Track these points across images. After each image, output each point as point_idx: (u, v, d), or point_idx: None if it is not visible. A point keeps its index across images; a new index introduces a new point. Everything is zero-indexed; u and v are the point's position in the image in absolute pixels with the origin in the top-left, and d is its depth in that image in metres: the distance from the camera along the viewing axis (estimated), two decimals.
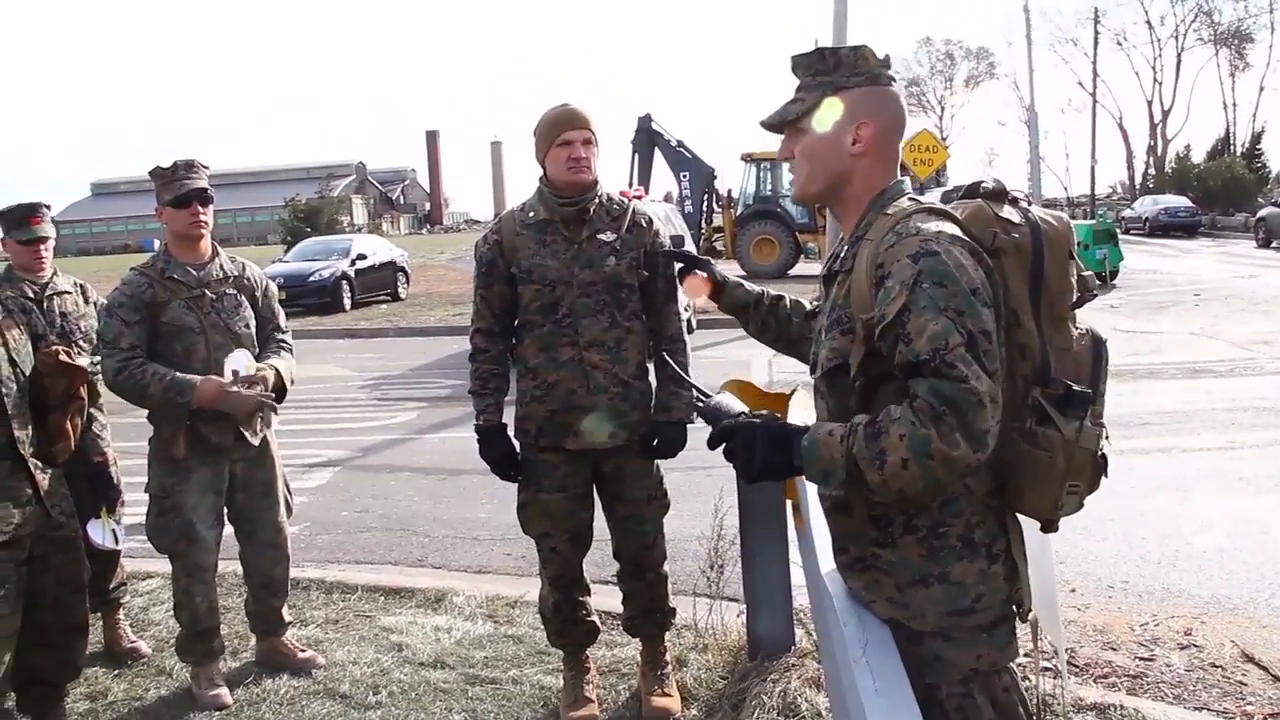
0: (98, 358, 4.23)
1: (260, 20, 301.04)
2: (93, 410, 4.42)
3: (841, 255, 2.20)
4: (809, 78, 2.21)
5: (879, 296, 1.99)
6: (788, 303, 2.83)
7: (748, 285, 2.93)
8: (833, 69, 2.18)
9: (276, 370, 4.24)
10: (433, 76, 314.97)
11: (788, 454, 2.04)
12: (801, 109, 2.20)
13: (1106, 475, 2.09)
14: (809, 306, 2.80)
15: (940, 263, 1.93)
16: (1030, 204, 2.20)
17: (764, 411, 2.19)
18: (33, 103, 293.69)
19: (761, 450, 2.07)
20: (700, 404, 2.30)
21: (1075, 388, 2.02)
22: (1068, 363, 2.09)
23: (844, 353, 2.09)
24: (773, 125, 2.27)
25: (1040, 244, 2.10)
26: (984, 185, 2.21)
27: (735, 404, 2.25)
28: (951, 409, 1.84)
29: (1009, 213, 2.13)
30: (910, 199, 2.15)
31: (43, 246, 4.58)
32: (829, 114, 2.19)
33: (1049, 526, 2.17)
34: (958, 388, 1.84)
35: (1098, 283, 2.24)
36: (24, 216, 4.53)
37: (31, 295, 4.50)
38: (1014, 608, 2.16)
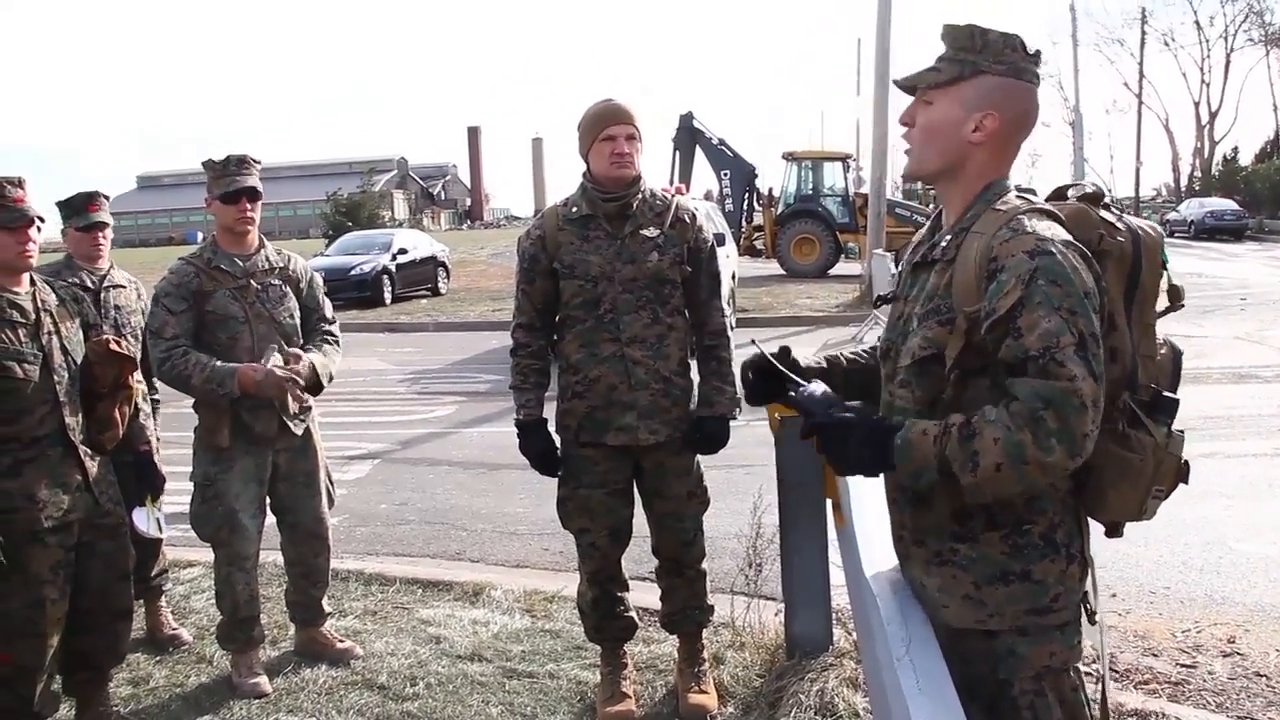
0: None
1: (305, 17, 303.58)
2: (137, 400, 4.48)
3: (943, 245, 2.16)
4: (954, 51, 2.15)
5: (990, 290, 1.98)
6: (854, 352, 2.66)
7: (812, 358, 2.67)
8: (978, 50, 2.13)
9: (311, 365, 4.24)
10: (475, 73, 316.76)
11: (882, 451, 2.03)
12: (935, 79, 2.15)
13: (1186, 482, 2.10)
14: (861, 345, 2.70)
15: (1057, 263, 1.92)
16: (1124, 211, 2.18)
17: (857, 403, 2.16)
18: (82, 101, 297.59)
19: (856, 446, 2.06)
20: (793, 394, 2.25)
21: (1164, 393, 2.05)
22: (1151, 370, 2.11)
23: (939, 343, 2.08)
24: (904, 87, 2.23)
25: (1140, 251, 2.10)
26: (1073, 190, 2.20)
27: (828, 393, 2.20)
28: (1052, 411, 1.84)
29: (1108, 217, 2.12)
30: (1019, 196, 2.13)
31: (101, 234, 4.64)
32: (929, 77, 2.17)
33: (1114, 531, 2.17)
34: (1060, 388, 1.85)
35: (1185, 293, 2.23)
36: (83, 204, 4.61)
37: (90, 285, 4.56)
38: (1084, 609, 2.16)
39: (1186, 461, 2.07)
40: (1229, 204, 43.34)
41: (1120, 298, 2.08)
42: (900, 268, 2.38)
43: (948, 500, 2.09)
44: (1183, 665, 4.35)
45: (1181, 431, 2.07)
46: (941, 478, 1.96)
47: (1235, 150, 59.76)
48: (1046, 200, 2.21)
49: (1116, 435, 2.01)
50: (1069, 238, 2.01)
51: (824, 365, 2.60)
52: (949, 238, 2.16)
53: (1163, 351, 2.15)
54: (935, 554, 2.17)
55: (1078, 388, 1.84)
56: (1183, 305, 2.21)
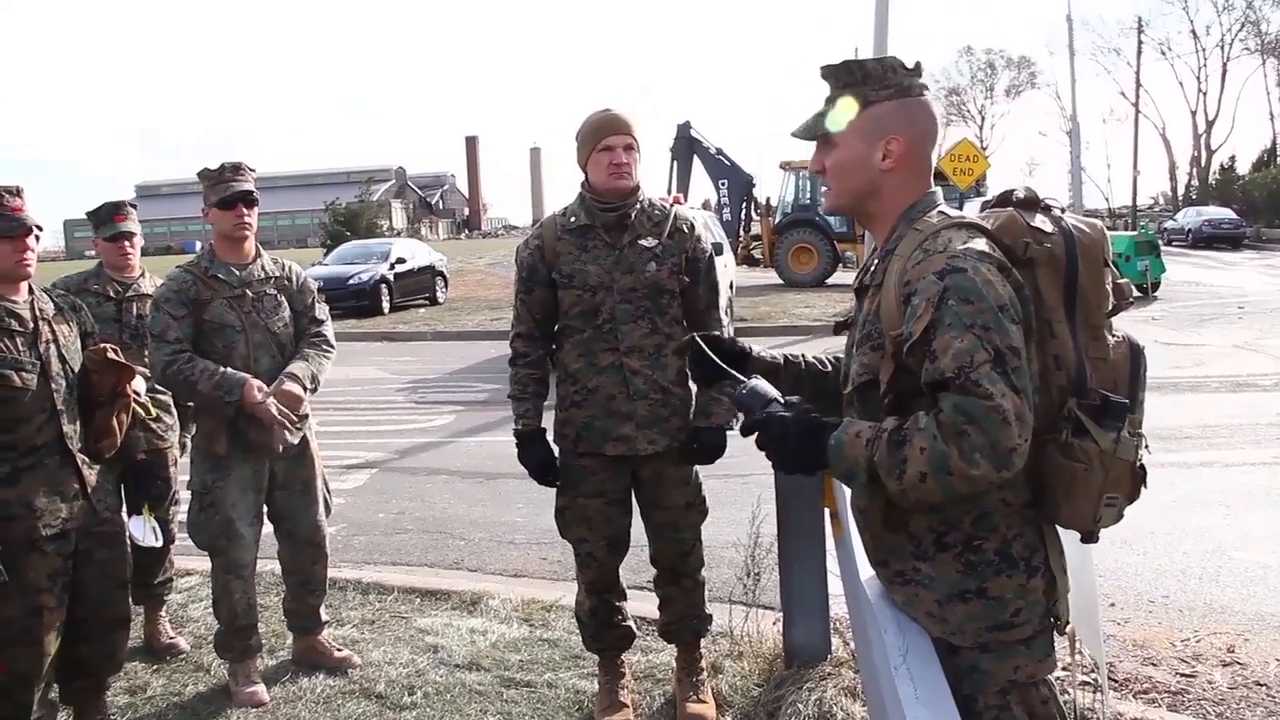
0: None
1: (303, 26, 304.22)
2: (159, 411, 4.50)
3: (872, 269, 2.19)
4: (838, 90, 2.18)
5: (906, 314, 1.98)
6: (813, 357, 2.67)
7: (768, 352, 2.71)
8: (860, 81, 2.15)
9: (298, 382, 4.22)
10: (473, 83, 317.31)
11: (819, 450, 2.02)
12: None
13: (1145, 486, 2.06)
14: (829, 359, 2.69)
15: (966, 279, 1.90)
16: (1064, 211, 2.16)
17: (794, 399, 2.16)
18: (80, 110, 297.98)
19: (794, 445, 2.06)
20: (731, 390, 2.27)
21: (1112, 398, 2.00)
22: (1105, 372, 2.07)
23: (874, 368, 2.08)
24: (803, 136, 2.25)
25: (1074, 252, 2.07)
26: (1015, 194, 2.18)
27: (768, 391, 2.20)
28: (975, 426, 1.82)
29: (1041, 221, 2.10)
30: (940, 212, 2.13)
31: (128, 242, 4.74)
32: (844, 114, 2.18)
33: (1089, 538, 2.13)
34: (982, 405, 1.82)
35: (1135, 291, 2.21)
36: (109, 214, 4.73)
37: (113, 295, 4.67)
38: (1052, 620, 2.14)
39: (1143, 466, 2.04)
40: (1226, 213, 43.41)
41: (1059, 304, 2.06)
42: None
43: (880, 513, 2.09)
44: (1182, 674, 4.34)
45: (1138, 435, 2.03)
46: (870, 482, 1.95)
47: (1232, 159, 60.08)
48: (992, 206, 2.21)
49: (1061, 445, 1.99)
50: (985, 249, 1.99)
51: (779, 361, 2.62)
52: (876, 262, 2.18)
53: (1119, 350, 2.10)
54: (898, 573, 2.16)
55: (998, 404, 1.82)
56: (1131, 303, 2.17)
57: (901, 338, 1.98)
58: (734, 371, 2.41)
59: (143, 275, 4.82)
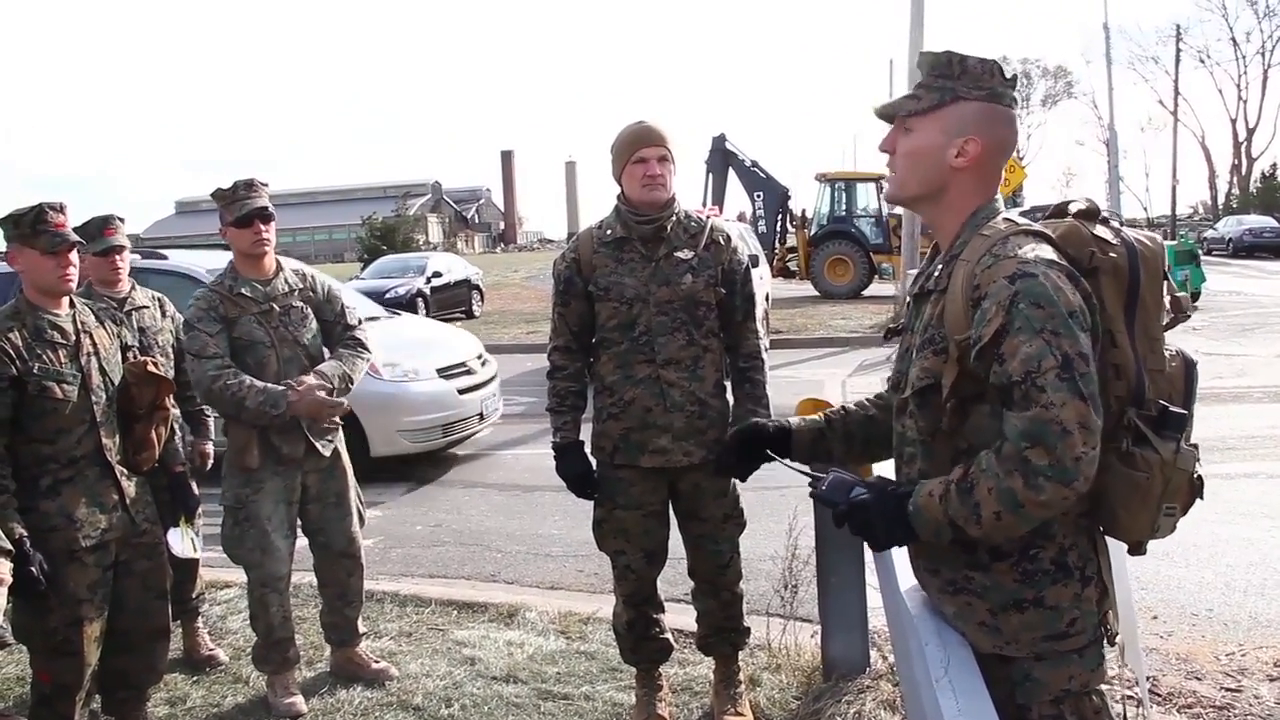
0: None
1: (339, 43, 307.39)
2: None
3: (936, 274, 2.18)
4: (932, 78, 2.17)
5: (975, 318, 1.98)
6: (856, 403, 2.65)
7: (809, 420, 2.67)
8: (956, 76, 2.15)
9: (335, 376, 4.27)
10: (508, 97, 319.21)
11: (905, 524, 2.07)
12: (915, 106, 2.17)
13: (1201, 497, 2.06)
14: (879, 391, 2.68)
15: (1038, 284, 1.91)
16: (1122, 224, 2.17)
17: (873, 479, 2.20)
18: (123, 126, 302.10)
19: (881, 528, 2.11)
20: (813, 490, 2.29)
21: (1171, 408, 2.00)
22: (1160, 384, 2.07)
23: (936, 373, 2.08)
24: (883, 115, 2.25)
25: (1136, 264, 2.07)
26: (1074, 205, 2.18)
27: (848, 480, 2.23)
28: (1038, 448, 1.84)
29: (1103, 232, 2.11)
30: (1005, 219, 2.13)
31: (118, 257, 4.68)
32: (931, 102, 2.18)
33: (1137, 549, 2.14)
34: (1041, 417, 1.84)
35: (1193, 304, 2.20)
36: (99, 228, 4.65)
37: None
38: (1104, 630, 2.13)
39: (1200, 477, 2.04)
40: (1268, 221, 42.77)
41: (1120, 314, 2.06)
42: (906, 300, 2.40)
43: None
44: (1227, 689, 4.27)
45: (1194, 446, 2.03)
46: (956, 533, 1.99)
47: (1274, 167, 59.22)
48: (1047, 218, 2.20)
49: (1121, 454, 1.99)
50: (1053, 257, 2.00)
51: (820, 425, 2.63)
52: (940, 267, 2.18)
53: (1174, 364, 2.11)
54: (949, 582, 2.16)
55: (1055, 415, 1.83)
56: (1188, 316, 2.19)
57: (968, 341, 2.00)
58: (813, 471, 2.43)
59: (133, 288, 4.80)
